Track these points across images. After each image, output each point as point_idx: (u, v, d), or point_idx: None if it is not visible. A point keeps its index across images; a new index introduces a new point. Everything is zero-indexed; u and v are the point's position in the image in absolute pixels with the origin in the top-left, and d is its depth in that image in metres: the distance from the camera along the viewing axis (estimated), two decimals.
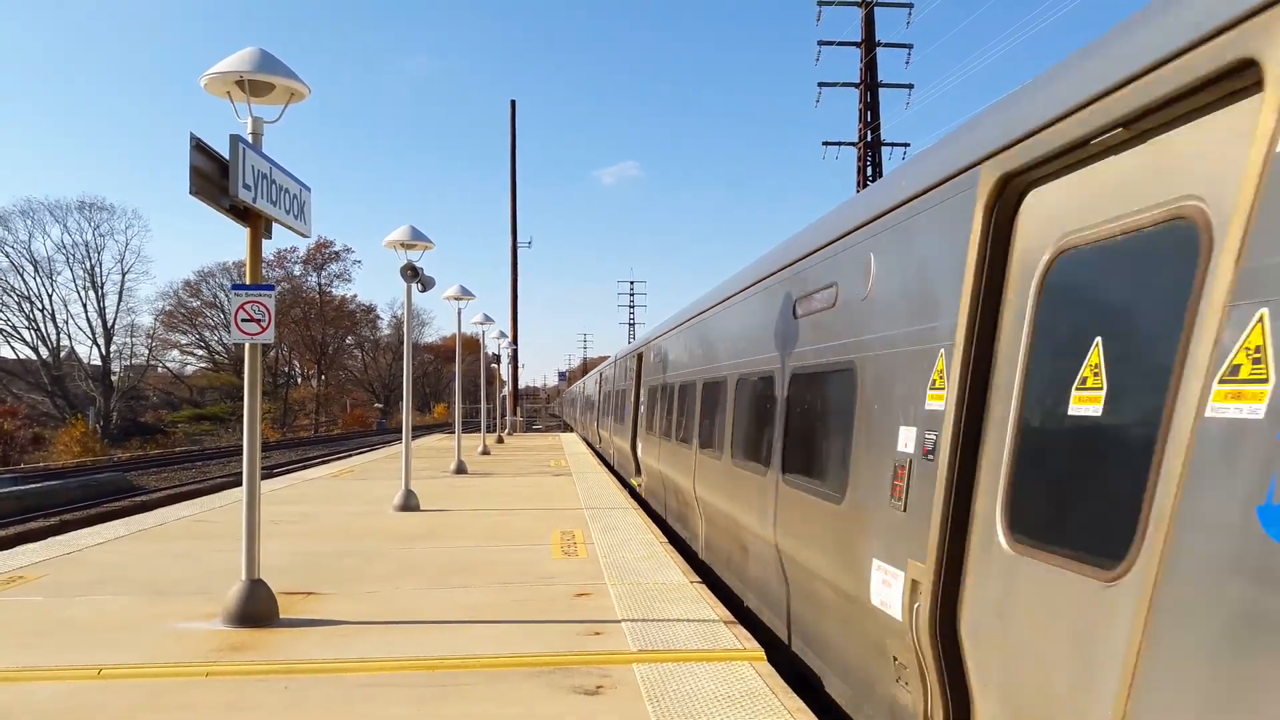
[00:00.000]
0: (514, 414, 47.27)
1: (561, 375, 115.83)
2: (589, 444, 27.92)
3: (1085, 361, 3.23)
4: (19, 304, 71.47)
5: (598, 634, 6.56)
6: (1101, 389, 3.14)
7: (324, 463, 30.84)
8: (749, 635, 6.58)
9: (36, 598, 7.82)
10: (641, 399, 17.44)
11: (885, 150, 37.96)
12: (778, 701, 5.18)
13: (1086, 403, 3.21)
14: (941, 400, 4.11)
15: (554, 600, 7.66)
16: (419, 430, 54.25)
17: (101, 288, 74.69)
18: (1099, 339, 3.19)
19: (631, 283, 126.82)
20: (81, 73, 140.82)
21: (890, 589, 4.52)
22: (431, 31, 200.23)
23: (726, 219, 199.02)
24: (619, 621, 6.90)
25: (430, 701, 5.21)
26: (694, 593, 7.93)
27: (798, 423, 6.61)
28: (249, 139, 6.66)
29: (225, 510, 13.58)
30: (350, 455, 35.56)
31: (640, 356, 18.02)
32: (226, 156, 6.42)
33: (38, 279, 72.10)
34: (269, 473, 25.82)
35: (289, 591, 7.69)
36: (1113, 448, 3.08)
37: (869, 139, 37.49)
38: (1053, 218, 3.55)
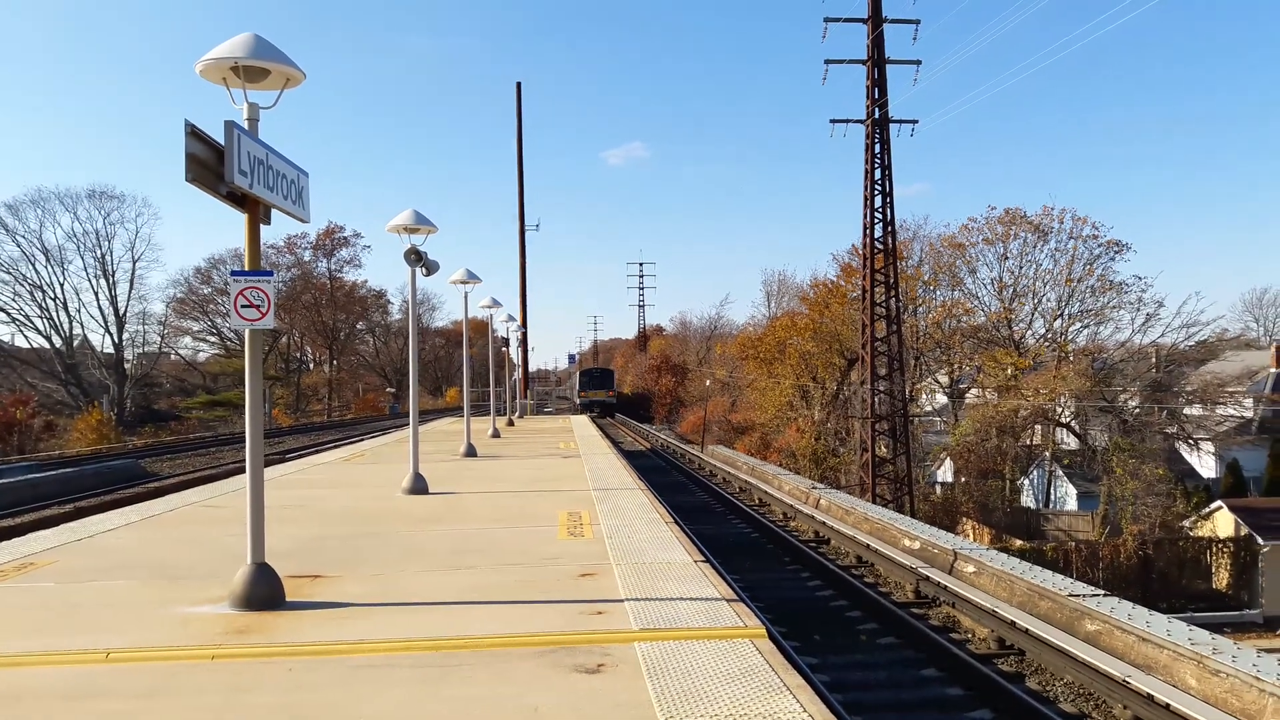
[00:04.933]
0: (524, 397, 47.34)
1: (571, 358, 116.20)
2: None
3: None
4: (31, 293, 71.98)
5: (600, 613, 6.60)
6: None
7: (336, 447, 30.96)
8: (750, 613, 6.62)
9: (47, 583, 7.91)
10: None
11: (893, 127, 37.57)
12: (778, 678, 5.21)
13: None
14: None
15: (558, 580, 7.71)
16: (430, 414, 54.37)
17: (113, 276, 75.13)
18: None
19: (640, 264, 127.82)
20: (89, 64, 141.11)
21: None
22: (431, 10, 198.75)
23: (735, 197, 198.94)
24: (622, 601, 6.94)
25: (432, 681, 5.26)
26: (697, 572, 7.97)
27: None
28: (244, 125, 6.66)
29: (236, 495, 13.67)
30: (362, 439, 35.70)
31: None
32: (223, 143, 6.41)
33: (49, 268, 72.57)
34: (281, 457, 25.95)
35: (296, 575, 7.75)
36: None
37: (877, 116, 37.15)
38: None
